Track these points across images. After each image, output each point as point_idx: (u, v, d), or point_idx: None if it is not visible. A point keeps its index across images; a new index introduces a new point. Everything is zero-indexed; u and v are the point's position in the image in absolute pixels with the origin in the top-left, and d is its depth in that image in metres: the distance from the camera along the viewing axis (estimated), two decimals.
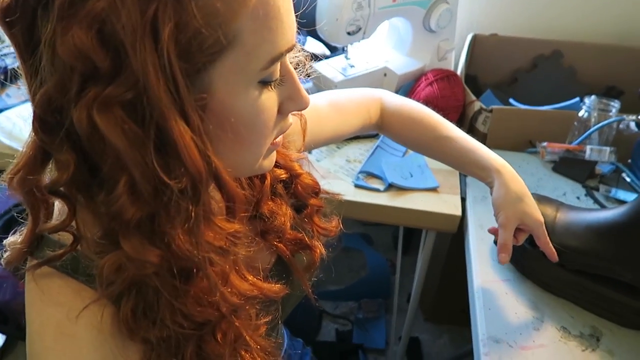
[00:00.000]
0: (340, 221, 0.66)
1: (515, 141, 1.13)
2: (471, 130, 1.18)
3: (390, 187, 0.98)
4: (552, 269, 0.77)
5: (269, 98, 0.43)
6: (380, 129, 0.81)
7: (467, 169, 0.76)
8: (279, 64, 0.43)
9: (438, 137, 0.75)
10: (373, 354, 1.58)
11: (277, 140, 0.48)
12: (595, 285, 0.75)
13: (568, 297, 0.78)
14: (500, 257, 0.71)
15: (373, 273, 1.69)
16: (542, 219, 0.71)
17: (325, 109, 0.75)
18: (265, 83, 0.42)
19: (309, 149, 0.75)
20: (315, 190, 0.64)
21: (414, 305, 1.23)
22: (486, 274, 0.82)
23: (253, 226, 0.58)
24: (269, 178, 0.58)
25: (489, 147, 1.14)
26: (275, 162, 0.53)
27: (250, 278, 0.49)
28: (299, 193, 0.62)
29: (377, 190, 0.97)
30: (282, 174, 0.60)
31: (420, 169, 1.01)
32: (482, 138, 1.14)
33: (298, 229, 0.61)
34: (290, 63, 0.46)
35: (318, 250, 0.62)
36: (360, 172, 0.99)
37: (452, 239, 1.35)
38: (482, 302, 0.78)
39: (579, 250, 0.74)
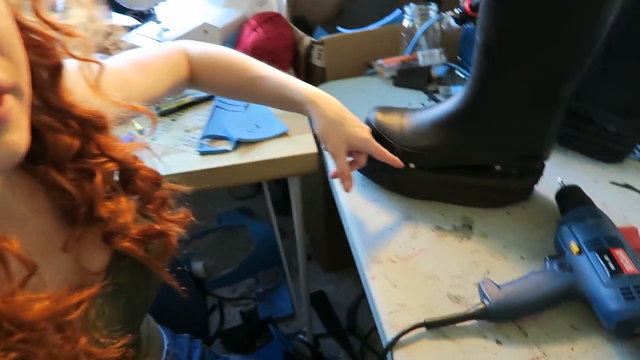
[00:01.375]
0: (189, 212, 0.59)
1: (354, 67, 1.11)
2: (309, 67, 1.13)
3: (238, 144, 0.90)
4: (413, 175, 0.75)
5: None
6: (192, 83, 0.73)
7: (285, 106, 0.73)
8: None
9: (248, 79, 0.70)
10: (284, 322, 1.53)
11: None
12: (456, 177, 0.75)
13: (435, 197, 0.78)
14: (344, 186, 0.71)
15: (261, 244, 1.62)
16: (367, 135, 0.70)
17: (128, 71, 0.64)
18: None
19: (123, 122, 0.65)
20: (157, 182, 0.56)
21: (303, 261, 1.19)
22: (354, 200, 0.79)
23: (92, 232, 0.49)
24: (98, 175, 0.48)
25: (329, 79, 1.13)
26: (106, 154, 0.48)
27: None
28: (140, 188, 0.53)
29: (225, 151, 0.88)
30: (113, 167, 0.51)
31: (265, 118, 0.95)
32: (321, 72, 1.10)
33: (143, 218, 0.54)
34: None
35: (172, 232, 0.54)
36: (203, 137, 0.90)
37: (324, 186, 1.33)
38: (357, 228, 0.74)
39: (431, 148, 0.73)
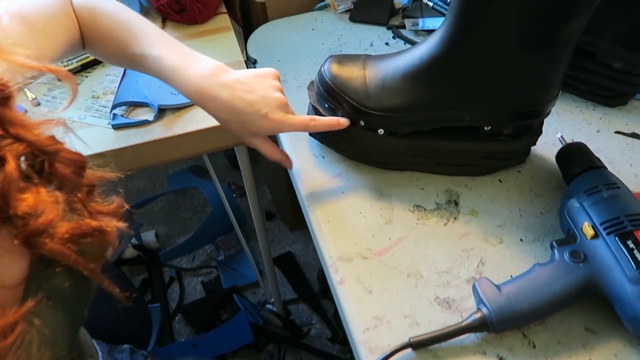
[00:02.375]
0: (122, 200, 0.47)
1: (299, 1, 0.91)
2: (245, 4, 0.93)
3: (162, 112, 0.71)
4: (383, 142, 0.60)
5: None
6: (84, 46, 0.60)
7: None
8: None
9: (131, 55, 0.58)
10: (250, 290, 1.41)
11: None
12: (436, 143, 0.60)
13: (412, 167, 0.63)
14: (286, 166, 0.62)
15: (218, 206, 1.46)
16: (273, 123, 0.55)
17: (10, 26, 0.51)
18: None
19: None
20: (81, 166, 0.44)
21: (260, 224, 1.04)
22: (312, 176, 0.63)
23: (3, 234, 0.38)
24: (10, 160, 0.36)
25: (271, 17, 0.92)
26: (12, 134, 0.37)
27: None
28: (62, 175, 0.42)
29: (146, 122, 0.70)
30: (22, 149, 0.38)
31: None
32: (261, 10, 0.90)
33: (72, 213, 0.42)
34: None
35: (110, 228, 0.43)
36: (115, 106, 0.71)
37: None
38: (318, 215, 0.59)
39: (404, 107, 0.57)
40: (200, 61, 0.56)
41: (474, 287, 0.50)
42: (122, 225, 0.44)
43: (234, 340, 1.28)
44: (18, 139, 0.38)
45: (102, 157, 0.49)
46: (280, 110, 0.56)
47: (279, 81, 0.59)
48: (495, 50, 0.51)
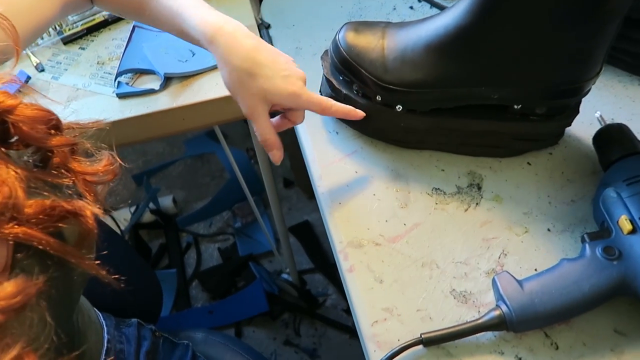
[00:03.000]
0: (113, 155, 0.44)
1: None
2: None
3: (168, 80, 0.67)
4: (401, 119, 0.55)
5: None
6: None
7: (188, 40, 0.55)
8: None
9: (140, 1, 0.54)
10: (266, 258, 1.40)
11: None
12: (459, 122, 0.55)
13: (431, 147, 0.58)
14: (272, 157, 0.53)
15: (234, 172, 1.43)
16: (294, 87, 0.49)
17: None
18: None
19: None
20: (52, 123, 0.40)
21: (274, 198, 1.02)
22: (325, 154, 0.59)
23: None
24: None
25: None
26: None
27: None
28: (26, 136, 0.38)
29: (152, 91, 0.66)
30: None
31: None
32: None
33: (47, 191, 0.38)
34: None
35: (88, 212, 0.39)
36: (120, 73, 0.67)
37: None
38: (329, 196, 0.56)
39: (425, 82, 0.52)
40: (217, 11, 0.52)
41: (493, 282, 0.46)
42: (98, 210, 0.40)
43: (249, 308, 1.28)
44: None
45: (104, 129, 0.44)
46: (302, 82, 0.51)
47: None
48: (532, 21, 0.45)
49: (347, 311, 1.29)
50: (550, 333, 0.45)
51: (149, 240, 1.45)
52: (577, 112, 0.54)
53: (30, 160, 0.40)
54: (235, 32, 0.49)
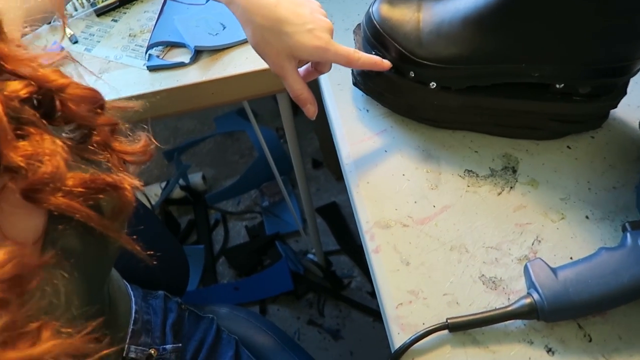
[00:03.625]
0: (150, 137, 0.45)
1: None
2: None
3: (199, 54, 0.67)
4: (434, 97, 0.53)
5: None
6: None
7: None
8: None
9: None
10: (293, 238, 1.40)
11: None
12: (496, 101, 0.52)
13: (465, 127, 0.56)
14: (306, 111, 0.52)
15: (263, 151, 1.43)
16: (319, 42, 0.48)
17: None
18: None
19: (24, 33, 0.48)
20: (97, 102, 0.41)
21: (302, 178, 1.01)
22: (354, 132, 0.58)
23: (9, 188, 0.36)
24: None
25: None
26: (6, 70, 0.34)
27: None
28: (73, 114, 0.39)
29: (182, 64, 0.66)
30: (21, 88, 0.35)
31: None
32: None
33: (84, 165, 0.39)
34: None
35: (126, 184, 0.40)
36: (151, 46, 0.67)
37: None
38: (357, 176, 0.54)
39: (461, 58, 0.50)
40: None
41: (525, 269, 0.44)
42: (137, 183, 0.41)
43: (274, 287, 1.29)
44: (12, 74, 0.35)
45: (139, 100, 0.45)
46: (328, 34, 0.49)
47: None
48: None
49: (372, 294, 1.28)
50: (584, 324, 0.43)
51: (178, 216, 1.47)
52: (624, 93, 0.51)
53: (71, 136, 0.41)
54: None
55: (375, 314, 1.25)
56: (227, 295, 1.29)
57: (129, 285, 0.66)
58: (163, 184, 1.44)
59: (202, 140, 1.58)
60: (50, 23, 0.70)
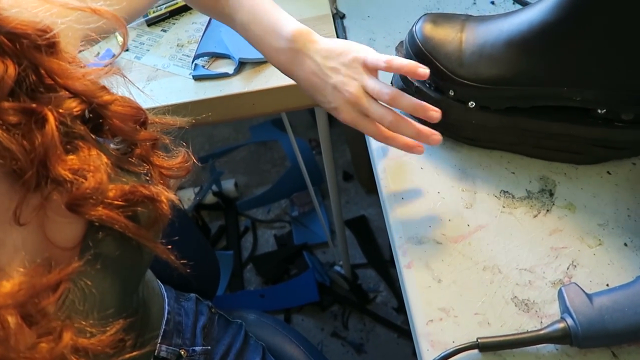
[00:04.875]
0: (189, 153, 0.47)
1: None
2: None
3: (242, 65, 0.69)
4: (473, 115, 0.54)
5: None
6: None
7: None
8: None
9: (222, 14, 0.56)
10: (320, 249, 1.41)
11: None
12: (535, 123, 0.52)
13: (502, 147, 0.56)
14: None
15: (296, 161, 1.45)
16: (342, 118, 0.52)
17: None
18: None
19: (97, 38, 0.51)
20: (140, 119, 0.43)
21: (334, 191, 1.02)
22: (390, 148, 0.58)
23: (56, 196, 0.38)
24: (50, 119, 0.35)
25: None
26: (60, 84, 0.36)
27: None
28: (117, 129, 0.41)
29: (226, 75, 0.68)
30: (75, 105, 0.38)
31: None
32: None
33: (124, 177, 0.41)
34: None
35: (162, 197, 0.42)
36: (198, 56, 0.70)
37: None
38: (392, 191, 0.55)
39: (503, 79, 0.50)
40: (282, 31, 0.52)
41: (559, 293, 0.44)
42: (174, 197, 0.42)
43: (300, 296, 1.30)
44: (65, 89, 0.37)
45: (184, 108, 0.47)
46: (351, 107, 0.51)
47: (366, 68, 0.51)
48: (628, 20, 0.43)
49: (397, 309, 1.27)
50: (619, 353, 0.42)
51: (209, 220, 1.50)
52: None
53: (116, 148, 0.43)
54: (291, 67, 0.53)
55: (399, 330, 1.24)
56: (253, 302, 1.31)
57: (162, 286, 0.68)
58: (196, 189, 1.47)
59: (236, 148, 1.61)
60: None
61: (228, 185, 1.51)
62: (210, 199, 1.49)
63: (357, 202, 1.50)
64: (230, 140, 1.66)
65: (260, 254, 1.42)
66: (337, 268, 1.32)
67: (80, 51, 0.48)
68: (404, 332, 1.23)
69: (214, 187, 1.48)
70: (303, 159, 1.09)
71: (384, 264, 1.35)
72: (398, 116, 0.49)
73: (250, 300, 1.31)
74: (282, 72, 0.55)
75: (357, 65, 0.50)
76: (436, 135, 0.50)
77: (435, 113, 0.49)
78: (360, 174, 1.50)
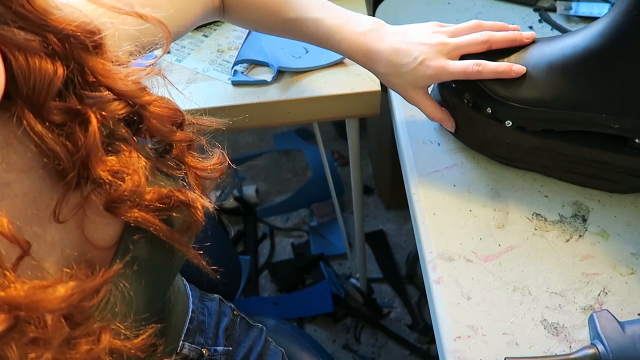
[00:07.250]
0: (225, 154, 0.48)
1: None
2: None
3: (280, 74, 0.71)
4: (509, 135, 0.54)
5: None
6: (223, 14, 0.60)
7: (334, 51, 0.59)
8: None
9: (285, 20, 0.57)
10: (337, 260, 1.41)
11: None
12: (571, 147, 0.53)
13: (537, 169, 0.56)
14: (446, 127, 0.58)
15: (317, 171, 1.46)
16: (431, 71, 0.52)
17: None
18: None
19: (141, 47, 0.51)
20: (177, 121, 0.43)
21: (358, 204, 1.02)
22: (424, 165, 0.59)
23: (84, 198, 0.39)
24: (93, 121, 0.36)
25: None
26: (103, 83, 0.37)
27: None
28: (154, 129, 0.41)
29: (264, 82, 0.70)
30: (120, 108, 0.38)
31: None
32: None
33: (162, 180, 0.42)
34: None
35: (198, 204, 0.42)
36: (237, 62, 0.71)
37: None
38: (424, 206, 0.55)
39: (542, 101, 0.51)
40: (358, 19, 0.56)
41: (590, 319, 0.44)
42: (208, 204, 0.43)
43: (314, 306, 1.30)
44: (107, 89, 0.37)
45: (216, 113, 0.48)
46: (440, 55, 0.53)
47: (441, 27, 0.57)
48: None
49: (411, 326, 1.27)
50: None
51: (228, 224, 1.52)
52: None
53: (153, 148, 0.43)
54: (374, 45, 0.54)
55: (412, 347, 1.23)
56: (267, 308, 1.31)
57: (187, 285, 0.69)
58: (218, 193, 1.49)
59: (259, 155, 1.63)
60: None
61: (249, 191, 1.52)
62: (230, 203, 1.51)
63: (376, 216, 1.50)
64: (253, 147, 1.68)
65: (277, 261, 1.43)
66: (353, 281, 1.32)
67: (125, 53, 0.50)
68: (417, 350, 1.22)
69: (235, 192, 1.50)
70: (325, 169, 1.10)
71: (400, 280, 1.35)
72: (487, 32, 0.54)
73: (264, 307, 1.32)
74: (358, 53, 0.55)
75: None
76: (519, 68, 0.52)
77: (521, 68, 0.51)
78: (381, 188, 1.51)
